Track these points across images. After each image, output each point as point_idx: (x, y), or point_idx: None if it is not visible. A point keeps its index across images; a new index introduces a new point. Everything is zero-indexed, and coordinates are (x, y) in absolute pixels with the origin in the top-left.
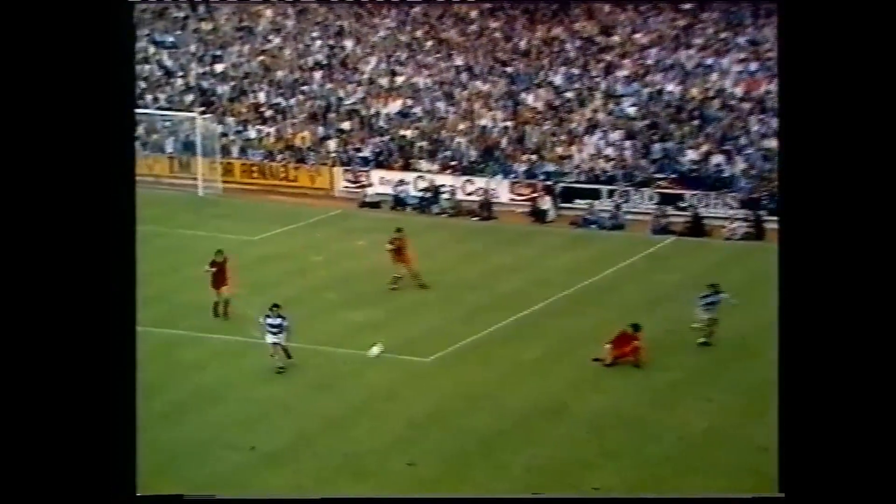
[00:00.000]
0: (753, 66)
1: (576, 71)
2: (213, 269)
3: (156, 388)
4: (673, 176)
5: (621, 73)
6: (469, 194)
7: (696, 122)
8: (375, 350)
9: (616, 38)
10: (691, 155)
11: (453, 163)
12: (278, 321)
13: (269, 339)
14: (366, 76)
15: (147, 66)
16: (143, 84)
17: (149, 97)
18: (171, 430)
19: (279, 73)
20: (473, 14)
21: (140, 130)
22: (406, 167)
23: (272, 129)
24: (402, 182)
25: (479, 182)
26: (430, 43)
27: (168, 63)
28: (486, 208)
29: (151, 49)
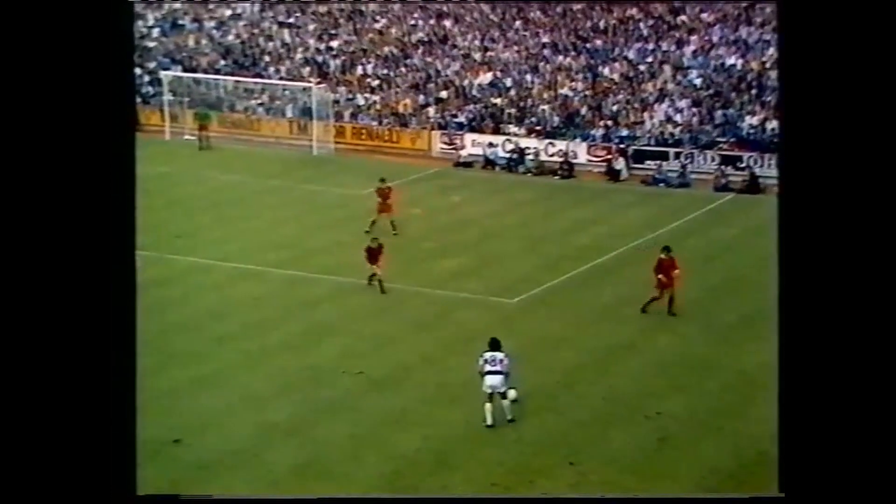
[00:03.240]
0: None
1: (649, 46)
2: (368, 253)
3: (275, 322)
4: (733, 139)
5: (689, 48)
6: (551, 156)
7: (754, 92)
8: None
9: (684, 18)
10: (750, 121)
11: (538, 127)
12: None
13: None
14: (461, 51)
15: (271, 43)
16: (266, 58)
17: (272, 69)
18: (295, 358)
19: (385, 49)
20: None
21: (265, 98)
22: (496, 131)
23: (378, 98)
24: (491, 144)
25: (560, 145)
26: (518, 22)
27: (288, 39)
28: (566, 168)
29: (275, 28)
